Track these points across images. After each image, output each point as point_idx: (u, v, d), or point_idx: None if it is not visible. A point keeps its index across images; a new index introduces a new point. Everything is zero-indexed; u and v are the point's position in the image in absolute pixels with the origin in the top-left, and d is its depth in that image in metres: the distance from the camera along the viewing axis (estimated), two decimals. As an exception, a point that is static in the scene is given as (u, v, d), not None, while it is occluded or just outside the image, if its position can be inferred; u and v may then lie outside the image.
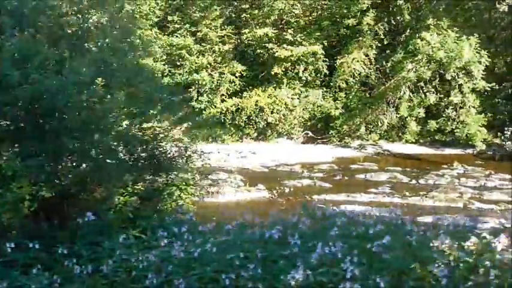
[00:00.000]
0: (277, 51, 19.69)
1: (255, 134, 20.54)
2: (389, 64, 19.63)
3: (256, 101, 19.84)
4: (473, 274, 2.69)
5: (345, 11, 19.76)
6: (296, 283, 2.74)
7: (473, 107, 17.77)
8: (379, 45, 19.96)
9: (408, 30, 20.07)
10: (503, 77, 19.42)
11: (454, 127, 17.87)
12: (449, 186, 12.75)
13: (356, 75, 19.61)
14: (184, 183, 5.12)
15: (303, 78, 20.31)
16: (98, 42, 5.00)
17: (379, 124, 19.40)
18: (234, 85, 20.68)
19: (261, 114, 19.78)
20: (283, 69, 20.10)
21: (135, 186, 4.68)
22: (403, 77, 17.98)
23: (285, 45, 19.85)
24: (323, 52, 19.91)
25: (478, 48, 17.49)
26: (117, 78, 4.49)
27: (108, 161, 4.50)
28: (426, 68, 17.72)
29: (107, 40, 4.69)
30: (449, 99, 17.93)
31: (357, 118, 19.53)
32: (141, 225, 4.36)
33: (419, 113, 18.50)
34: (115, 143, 4.66)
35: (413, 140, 19.21)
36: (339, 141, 19.59)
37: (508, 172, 14.11)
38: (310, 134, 20.48)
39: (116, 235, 4.00)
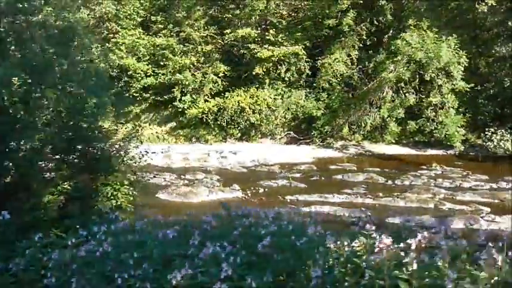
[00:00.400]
0: (258, 52, 19.70)
1: (239, 135, 20.50)
2: (372, 65, 19.57)
3: (238, 101, 19.81)
4: (349, 275, 2.69)
5: (327, 12, 19.72)
6: (177, 282, 2.75)
7: (453, 108, 17.68)
8: (362, 45, 19.91)
9: (391, 31, 20.04)
10: (485, 77, 19.38)
11: (433, 128, 17.80)
12: (423, 187, 12.70)
13: (338, 75, 19.55)
14: (117, 183, 5.13)
15: (286, 78, 20.29)
16: (32, 43, 4.99)
17: (363, 125, 19.31)
18: (217, 85, 20.68)
19: (242, 114, 19.75)
20: (265, 70, 20.09)
21: (63, 186, 4.68)
22: (384, 77, 17.92)
23: (266, 46, 19.87)
24: (305, 53, 19.90)
25: (458, 49, 17.44)
26: (45, 77, 4.48)
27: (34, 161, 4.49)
28: (406, 68, 17.65)
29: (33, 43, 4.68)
30: (429, 100, 17.87)
31: (340, 119, 19.46)
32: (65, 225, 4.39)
33: (399, 113, 18.42)
34: (44, 142, 4.66)
35: (393, 141, 19.13)
36: (321, 142, 19.53)
37: (486, 173, 14.10)
38: (293, 134, 20.43)
39: (34, 234, 4.01)
